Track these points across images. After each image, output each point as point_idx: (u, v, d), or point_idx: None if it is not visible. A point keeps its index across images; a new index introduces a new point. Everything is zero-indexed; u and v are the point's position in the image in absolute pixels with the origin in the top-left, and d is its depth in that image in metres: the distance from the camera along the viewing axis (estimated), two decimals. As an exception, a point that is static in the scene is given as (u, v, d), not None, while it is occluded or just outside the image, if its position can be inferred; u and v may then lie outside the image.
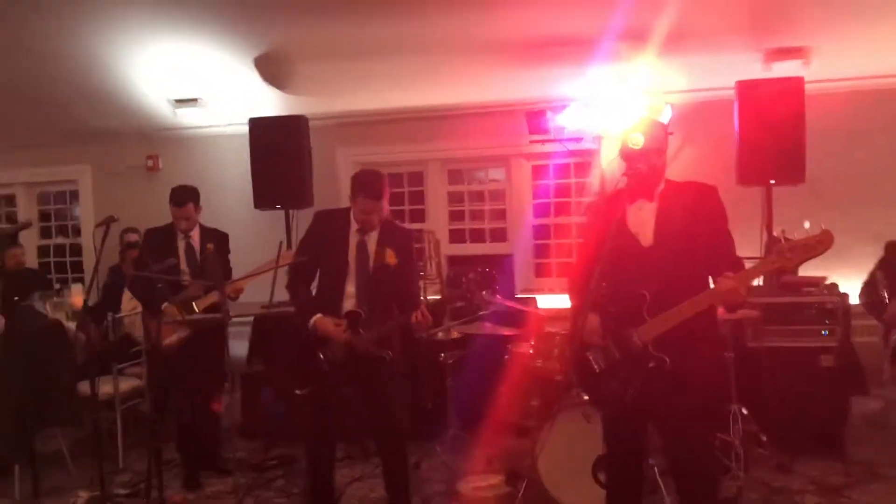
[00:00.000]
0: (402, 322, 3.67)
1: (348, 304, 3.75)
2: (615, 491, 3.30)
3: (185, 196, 4.75)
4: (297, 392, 3.70)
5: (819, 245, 2.73)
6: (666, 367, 2.98)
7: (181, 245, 4.75)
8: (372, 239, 3.76)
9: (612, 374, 3.09)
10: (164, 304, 4.41)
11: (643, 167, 3.06)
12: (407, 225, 7.06)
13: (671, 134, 3.43)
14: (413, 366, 5.28)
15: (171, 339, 4.50)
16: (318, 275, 3.90)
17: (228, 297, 4.79)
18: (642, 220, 3.09)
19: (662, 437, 3.22)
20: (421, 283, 5.68)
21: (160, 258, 4.20)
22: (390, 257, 3.69)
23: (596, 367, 3.13)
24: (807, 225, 2.75)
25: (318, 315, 3.69)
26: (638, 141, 3.06)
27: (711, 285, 2.96)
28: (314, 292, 3.89)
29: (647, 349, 3.00)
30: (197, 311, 4.51)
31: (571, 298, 3.37)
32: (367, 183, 3.68)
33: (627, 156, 3.12)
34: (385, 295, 3.74)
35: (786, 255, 2.78)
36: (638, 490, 3.32)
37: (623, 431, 3.21)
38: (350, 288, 3.75)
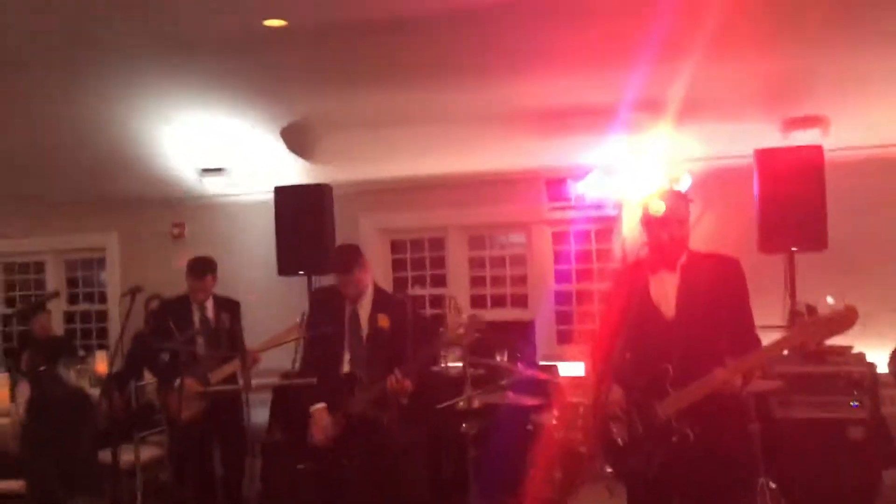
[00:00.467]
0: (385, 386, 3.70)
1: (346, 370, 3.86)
2: None
3: (205, 268, 4.80)
4: (299, 467, 3.76)
5: (843, 321, 2.69)
6: (690, 441, 2.93)
7: (196, 316, 4.77)
8: (364, 308, 3.92)
9: (635, 447, 3.05)
10: (183, 378, 4.43)
11: (665, 236, 3.07)
12: (428, 290, 7.12)
13: (692, 202, 3.46)
14: (434, 437, 5.25)
15: (190, 411, 4.51)
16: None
17: None
18: (665, 292, 3.08)
19: None
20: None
21: (179, 329, 4.24)
22: (383, 321, 3.79)
23: (619, 440, 3.10)
24: (830, 300, 2.72)
25: (321, 405, 3.81)
26: (659, 209, 3.06)
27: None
28: None
29: (671, 422, 2.97)
30: (212, 382, 4.51)
31: (593, 368, 3.35)
32: (336, 260, 3.96)
33: (649, 224, 3.13)
34: (383, 359, 3.78)
35: (808, 330, 2.75)
36: None
37: None
38: (347, 355, 3.86)
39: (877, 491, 4.65)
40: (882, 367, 5.01)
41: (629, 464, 3.09)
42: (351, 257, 3.91)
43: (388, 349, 3.80)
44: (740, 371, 2.85)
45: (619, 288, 3.27)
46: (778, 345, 2.93)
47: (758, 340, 3.01)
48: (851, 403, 4.57)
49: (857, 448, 4.52)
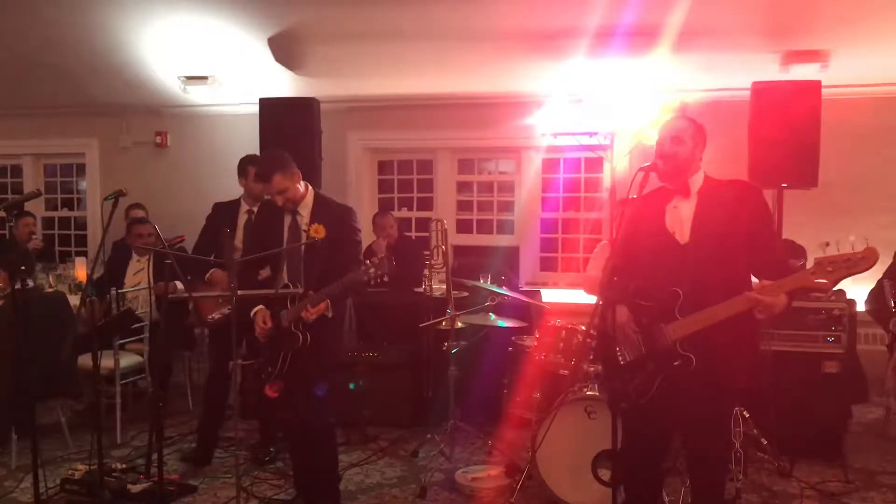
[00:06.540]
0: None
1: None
2: (632, 489, 3.24)
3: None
4: (239, 362, 3.68)
5: (862, 262, 2.62)
6: (692, 368, 2.92)
7: (241, 220, 4.62)
8: (304, 218, 3.70)
9: (637, 368, 3.04)
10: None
11: (660, 162, 3.01)
12: (414, 213, 7.07)
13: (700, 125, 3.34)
14: (417, 355, 5.28)
15: (216, 314, 4.50)
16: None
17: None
18: (680, 218, 3.01)
19: (682, 437, 3.17)
20: (426, 272, 5.67)
21: (221, 231, 4.03)
22: (316, 231, 3.59)
23: (621, 359, 3.09)
24: (851, 238, 2.67)
25: (260, 307, 3.70)
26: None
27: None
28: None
29: (675, 347, 2.95)
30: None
31: (602, 293, 3.29)
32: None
33: (662, 146, 3.07)
34: (319, 271, 3.59)
35: (826, 268, 2.68)
36: (656, 489, 3.29)
37: (644, 428, 3.14)
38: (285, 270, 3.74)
39: (846, 423, 4.76)
40: (861, 305, 5.08)
41: (628, 384, 3.07)
42: (271, 164, 3.61)
43: (325, 260, 3.61)
44: (778, 292, 2.76)
45: (630, 217, 3.20)
46: (792, 281, 2.79)
47: (786, 264, 2.97)
48: (828, 339, 4.63)
49: (831, 382, 4.59)
